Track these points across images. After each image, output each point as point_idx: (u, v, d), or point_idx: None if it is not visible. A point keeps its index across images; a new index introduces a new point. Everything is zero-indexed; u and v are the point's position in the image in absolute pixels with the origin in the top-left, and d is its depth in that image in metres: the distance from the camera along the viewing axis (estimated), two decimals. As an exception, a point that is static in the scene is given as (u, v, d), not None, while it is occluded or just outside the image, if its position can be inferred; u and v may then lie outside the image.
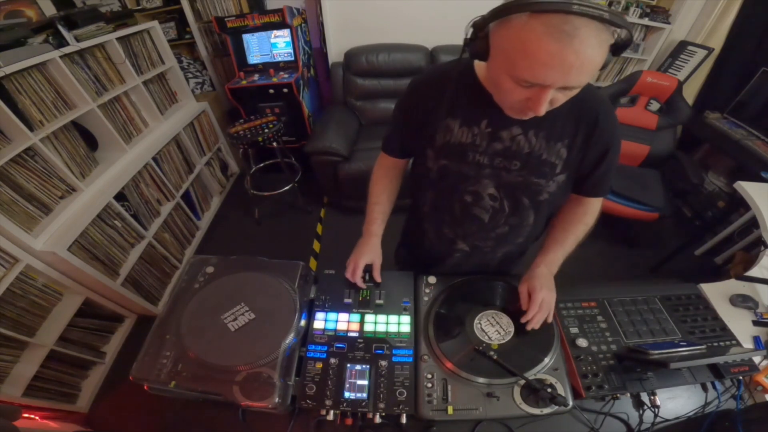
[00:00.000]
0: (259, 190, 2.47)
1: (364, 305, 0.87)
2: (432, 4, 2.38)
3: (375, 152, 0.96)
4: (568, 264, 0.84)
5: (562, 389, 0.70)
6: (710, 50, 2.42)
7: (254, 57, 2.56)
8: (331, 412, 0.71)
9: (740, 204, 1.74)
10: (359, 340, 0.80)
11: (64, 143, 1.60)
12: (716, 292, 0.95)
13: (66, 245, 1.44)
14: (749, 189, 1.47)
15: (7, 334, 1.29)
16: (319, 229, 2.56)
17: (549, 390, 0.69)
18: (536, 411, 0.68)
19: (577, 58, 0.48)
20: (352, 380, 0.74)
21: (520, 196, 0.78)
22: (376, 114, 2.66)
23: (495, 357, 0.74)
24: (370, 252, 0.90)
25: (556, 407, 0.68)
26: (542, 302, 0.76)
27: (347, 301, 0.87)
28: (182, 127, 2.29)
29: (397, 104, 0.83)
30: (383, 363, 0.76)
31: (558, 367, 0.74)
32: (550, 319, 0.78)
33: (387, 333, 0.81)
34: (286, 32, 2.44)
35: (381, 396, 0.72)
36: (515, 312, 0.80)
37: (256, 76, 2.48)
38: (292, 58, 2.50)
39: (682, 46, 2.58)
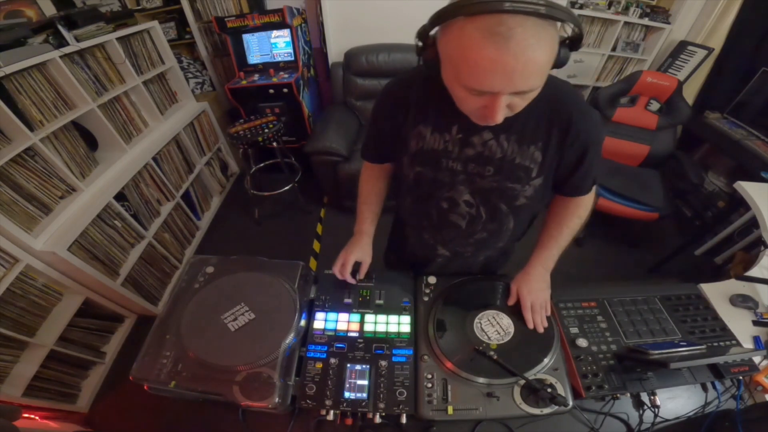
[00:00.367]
0: (259, 190, 2.47)
1: (364, 305, 0.87)
2: (432, 4, 2.36)
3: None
4: (568, 264, 0.84)
5: (562, 389, 0.70)
6: (710, 50, 2.42)
7: (254, 57, 2.56)
8: (331, 412, 0.71)
9: (740, 204, 1.74)
10: (359, 340, 0.80)
11: (64, 143, 1.60)
12: (716, 292, 0.95)
13: (66, 245, 1.44)
14: (749, 189, 1.46)
15: (7, 334, 1.29)
16: (319, 229, 2.56)
17: (549, 390, 0.69)
18: (536, 411, 0.68)
19: (517, 61, 0.45)
20: (352, 380, 0.74)
21: (496, 202, 0.77)
22: (376, 114, 2.65)
23: (495, 357, 0.74)
24: (359, 250, 0.90)
25: (556, 407, 0.68)
26: (533, 304, 0.76)
27: (347, 301, 0.87)
28: (182, 127, 2.29)
29: (371, 112, 0.82)
30: (383, 363, 0.76)
31: (558, 367, 0.74)
32: (548, 314, 0.79)
33: (387, 333, 0.81)
34: (286, 32, 2.43)
35: (381, 396, 0.72)
36: (515, 312, 0.81)
37: (256, 76, 2.48)
38: (292, 58, 2.50)
39: (682, 46, 2.58)
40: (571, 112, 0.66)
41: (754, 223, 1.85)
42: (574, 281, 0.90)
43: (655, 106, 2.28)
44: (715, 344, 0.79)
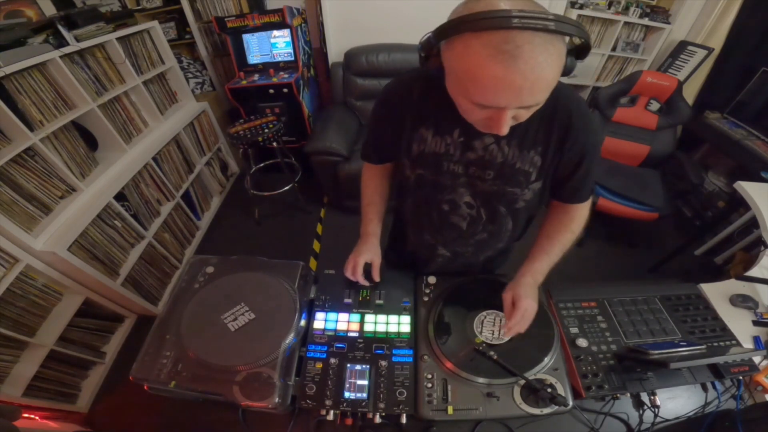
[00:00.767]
0: (259, 190, 2.47)
1: (364, 305, 0.87)
2: (432, 4, 2.37)
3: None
4: (569, 264, 0.84)
5: (562, 389, 0.70)
6: (710, 50, 2.42)
7: (254, 57, 2.56)
8: (331, 412, 0.71)
9: (740, 204, 1.74)
10: (359, 340, 0.80)
11: (64, 143, 1.60)
12: (716, 292, 0.95)
13: (66, 245, 1.44)
14: (749, 189, 1.47)
15: (7, 334, 1.29)
16: (319, 229, 2.56)
17: (549, 390, 0.69)
18: (536, 411, 0.68)
19: (525, 80, 0.44)
20: (352, 380, 0.74)
21: (496, 205, 0.77)
22: (376, 114, 2.65)
23: (495, 357, 0.74)
24: (368, 251, 0.89)
25: (556, 407, 0.68)
26: (526, 311, 0.75)
27: (347, 301, 0.87)
28: (182, 127, 2.29)
29: (371, 113, 0.82)
30: (383, 363, 0.76)
31: (558, 367, 0.74)
32: (524, 329, 0.75)
33: (387, 333, 0.81)
34: (286, 32, 2.43)
35: (381, 396, 0.72)
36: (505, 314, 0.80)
37: (256, 76, 2.47)
38: (292, 58, 2.50)
39: (682, 46, 2.58)
40: (571, 115, 0.66)
41: (754, 223, 1.85)
42: (574, 281, 0.90)
43: (655, 106, 2.28)
44: (715, 344, 0.79)
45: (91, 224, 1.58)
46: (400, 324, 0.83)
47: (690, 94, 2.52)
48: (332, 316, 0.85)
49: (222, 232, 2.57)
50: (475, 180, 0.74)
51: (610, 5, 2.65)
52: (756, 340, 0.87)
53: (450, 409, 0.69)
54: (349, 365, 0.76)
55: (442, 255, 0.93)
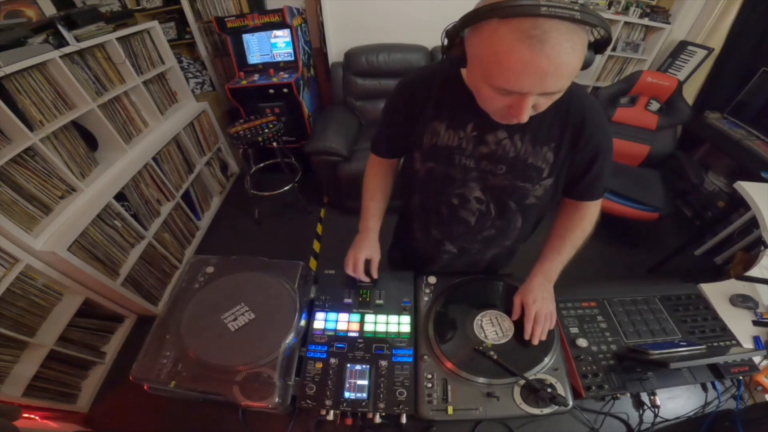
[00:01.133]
0: (259, 190, 2.47)
1: (364, 305, 0.87)
2: (432, 4, 2.38)
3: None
4: (569, 264, 0.84)
5: (562, 389, 0.70)
6: (710, 50, 2.42)
7: (254, 57, 2.56)
8: (331, 412, 0.71)
9: (740, 204, 1.74)
10: (359, 340, 0.80)
11: (64, 143, 1.60)
12: (716, 292, 0.95)
13: (66, 245, 1.44)
14: (749, 189, 1.47)
15: (7, 334, 1.29)
16: (319, 229, 2.56)
17: (549, 390, 0.69)
18: (536, 411, 0.68)
19: (550, 63, 0.46)
20: (352, 380, 0.74)
21: (506, 200, 0.77)
22: (376, 114, 2.65)
23: (495, 357, 0.74)
24: (368, 247, 0.89)
25: (556, 407, 0.68)
26: (537, 314, 0.76)
27: (347, 301, 0.87)
28: (182, 127, 2.29)
29: (385, 106, 0.83)
30: (383, 363, 0.76)
31: (558, 367, 0.74)
32: (552, 326, 0.78)
33: (387, 333, 0.81)
34: (286, 32, 2.43)
35: (381, 396, 0.72)
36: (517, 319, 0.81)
37: (256, 76, 2.48)
38: (292, 58, 2.50)
39: (682, 46, 2.58)
40: (585, 115, 0.67)
41: (754, 223, 1.85)
42: (574, 281, 0.90)
43: (655, 106, 2.28)
44: (715, 344, 0.79)
45: (91, 224, 1.58)
46: (400, 324, 0.83)
47: (690, 94, 2.52)
48: (332, 316, 0.85)
49: (222, 232, 2.57)
50: (487, 174, 0.74)
51: (610, 5, 2.65)
52: (756, 340, 0.87)
53: (450, 409, 0.69)
54: (349, 365, 0.76)
55: (449, 251, 0.93)
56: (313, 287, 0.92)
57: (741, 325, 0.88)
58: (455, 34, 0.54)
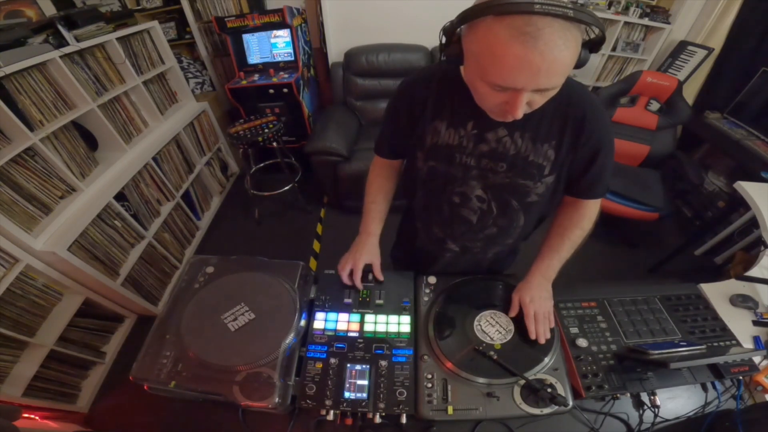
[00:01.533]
0: (259, 190, 2.47)
1: (364, 305, 0.87)
2: (432, 4, 2.38)
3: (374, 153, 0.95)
4: (569, 264, 0.84)
5: (562, 389, 0.70)
6: (710, 50, 2.42)
7: (254, 57, 2.56)
8: (331, 412, 0.71)
9: (740, 204, 1.74)
10: (359, 340, 0.80)
11: (64, 143, 1.60)
12: (716, 292, 0.95)
13: (66, 245, 1.44)
14: (749, 189, 1.47)
15: (7, 334, 1.29)
16: (319, 229, 2.56)
17: (549, 390, 0.69)
18: (536, 411, 0.68)
19: (543, 60, 0.47)
20: (352, 380, 0.74)
21: (507, 198, 0.77)
22: (376, 114, 2.66)
23: (495, 357, 0.74)
24: (368, 252, 0.89)
25: (556, 407, 0.68)
26: (536, 314, 0.76)
27: (347, 301, 0.87)
28: (182, 127, 2.29)
29: (387, 107, 0.84)
30: (383, 363, 0.76)
31: (558, 367, 0.74)
32: (551, 325, 0.78)
33: (387, 333, 0.81)
34: (286, 32, 2.44)
35: (381, 396, 0.72)
36: (516, 315, 0.81)
37: (256, 76, 2.48)
38: (292, 58, 2.50)
39: (682, 46, 2.58)
40: (585, 112, 0.67)
41: (754, 223, 1.85)
42: (574, 281, 0.90)
43: (655, 106, 2.28)
44: (715, 344, 0.79)
45: (91, 224, 1.58)
46: (400, 324, 0.83)
47: (690, 94, 2.53)
48: (332, 316, 0.85)
49: (222, 232, 2.57)
50: (487, 172, 0.74)
51: (610, 5, 2.65)
52: (756, 340, 0.87)
53: (450, 409, 0.69)
54: (349, 365, 0.76)
55: (451, 250, 0.93)
56: (313, 287, 0.92)
57: (741, 325, 0.88)
58: (452, 31, 0.56)
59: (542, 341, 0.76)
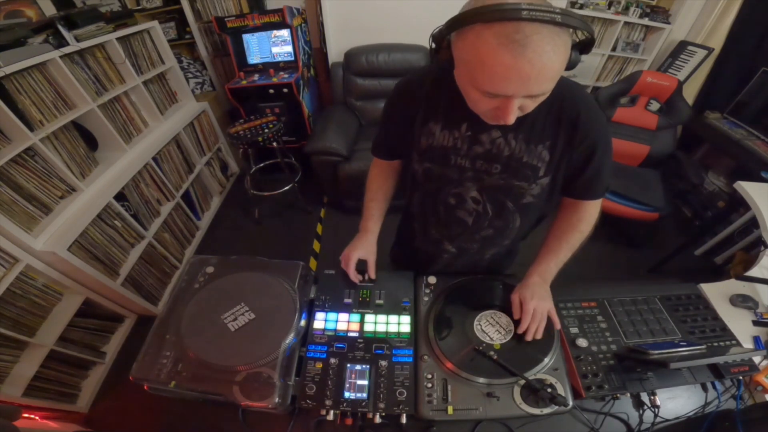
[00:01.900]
0: (259, 190, 2.47)
1: (364, 305, 0.87)
2: (432, 4, 2.38)
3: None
4: (568, 264, 0.84)
5: (562, 389, 0.70)
6: (710, 50, 2.42)
7: (254, 57, 2.56)
8: (331, 412, 0.71)
9: (740, 204, 1.74)
10: (359, 340, 0.80)
11: (64, 143, 1.60)
12: (716, 292, 0.95)
13: (66, 245, 1.44)
14: (749, 189, 1.47)
15: (7, 334, 1.29)
16: (319, 229, 2.56)
17: (549, 390, 0.69)
18: (536, 411, 0.68)
19: (532, 67, 0.46)
20: (352, 380, 0.74)
21: (503, 199, 0.77)
22: (376, 114, 2.66)
23: (495, 357, 0.74)
24: (363, 248, 0.90)
25: (556, 407, 0.68)
26: (534, 311, 0.76)
27: (347, 301, 0.87)
28: (182, 127, 2.29)
29: (383, 108, 0.84)
30: (383, 363, 0.76)
31: (558, 367, 0.74)
32: (557, 327, 0.78)
33: (387, 333, 0.81)
34: (286, 32, 2.44)
35: (381, 396, 0.72)
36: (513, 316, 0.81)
37: (256, 76, 2.48)
38: (292, 58, 2.50)
39: (682, 46, 2.58)
40: (579, 112, 0.66)
41: (754, 223, 1.85)
42: (574, 281, 0.90)
43: (655, 106, 2.28)
44: (715, 344, 0.79)
45: (91, 224, 1.59)
46: (400, 324, 0.83)
47: (690, 94, 2.52)
48: (332, 316, 0.85)
49: (222, 232, 2.57)
50: (482, 174, 0.74)
51: (610, 5, 2.65)
52: (756, 340, 0.87)
53: (450, 409, 0.69)
54: (349, 365, 0.76)
55: (448, 251, 0.93)
56: (313, 287, 0.92)
57: (741, 325, 0.88)
58: (441, 38, 0.55)
59: (529, 338, 0.75)
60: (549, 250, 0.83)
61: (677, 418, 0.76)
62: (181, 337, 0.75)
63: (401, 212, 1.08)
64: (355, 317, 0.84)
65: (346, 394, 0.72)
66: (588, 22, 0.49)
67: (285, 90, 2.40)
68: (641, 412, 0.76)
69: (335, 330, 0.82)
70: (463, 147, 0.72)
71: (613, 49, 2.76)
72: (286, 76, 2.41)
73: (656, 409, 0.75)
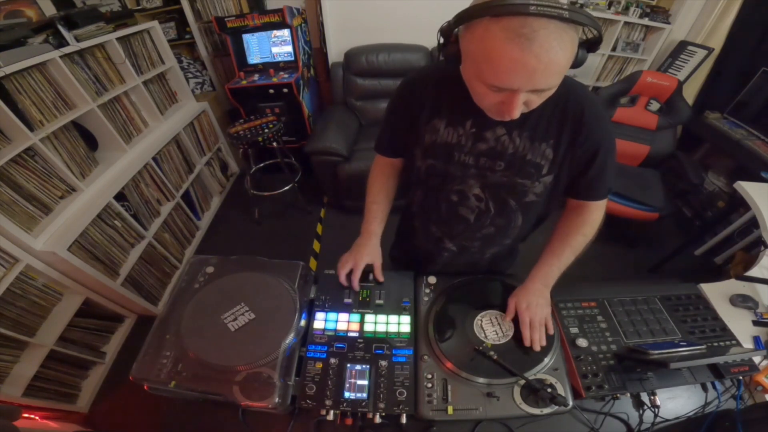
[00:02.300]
0: (259, 190, 2.47)
1: (364, 305, 0.87)
2: (432, 4, 2.38)
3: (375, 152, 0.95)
4: (569, 265, 0.84)
5: (562, 389, 0.70)
6: (710, 50, 2.42)
7: (254, 57, 2.56)
8: (331, 412, 0.71)
9: (740, 204, 1.74)
10: (359, 340, 0.80)
11: (64, 143, 1.60)
12: (716, 292, 0.95)
13: (66, 245, 1.44)
14: (749, 189, 1.47)
15: (7, 334, 1.29)
16: (319, 229, 2.56)
17: (549, 390, 0.69)
18: (536, 411, 0.68)
19: (539, 61, 0.47)
20: (352, 380, 0.74)
21: (505, 197, 0.77)
22: (376, 114, 2.66)
23: (495, 357, 0.74)
24: (369, 253, 0.89)
25: (556, 407, 0.68)
26: (531, 321, 0.76)
27: (347, 301, 0.87)
28: (182, 127, 2.29)
29: (388, 105, 0.84)
30: (383, 363, 0.76)
31: (558, 367, 0.74)
32: (550, 332, 0.78)
33: (387, 333, 0.81)
34: (286, 32, 2.44)
35: (381, 396, 0.72)
36: (516, 316, 0.81)
37: (256, 76, 2.48)
38: (292, 58, 2.50)
39: (682, 46, 2.58)
40: (584, 111, 0.67)
41: (754, 223, 1.85)
42: (574, 281, 0.90)
43: (655, 106, 2.28)
44: (715, 344, 0.79)
45: (91, 224, 1.59)
46: (400, 324, 0.83)
47: (690, 94, 2.53)
48: (332, 316, 0.85)
49: (222, 232, 2.57)
50: (485, 171, 0.74)
51: (610, 5, 2.65)
52: (756, 340, 0.87)
53: (450, 409, 0.69)
54: (349, 365, 0.76)
55: (448, 249, 0.93)
56: (313, 287, 0.92)
57: (741, 325, 0.88)
58: (449, 32, 0.56)
59: (537, 348, 0.75)
60: (552, 254, 0.83)
61: (677, 418, 0.76)
62: (181, 337, 0.75)
63: (401, 211, 1.08)
64: (355, 317, 0.84)
65: (346, 394, 0.72)
66: (595, 20, 0.49)
67: (285, 90, 2.40)
68: (641, 412, 0.76)
69: (335, 330, 0.82)
70: (467, 144, 0.72)
71: (613, 49, 2.76)
72: (286, 76, 2.41)
73: (656, 409, 0.75)
